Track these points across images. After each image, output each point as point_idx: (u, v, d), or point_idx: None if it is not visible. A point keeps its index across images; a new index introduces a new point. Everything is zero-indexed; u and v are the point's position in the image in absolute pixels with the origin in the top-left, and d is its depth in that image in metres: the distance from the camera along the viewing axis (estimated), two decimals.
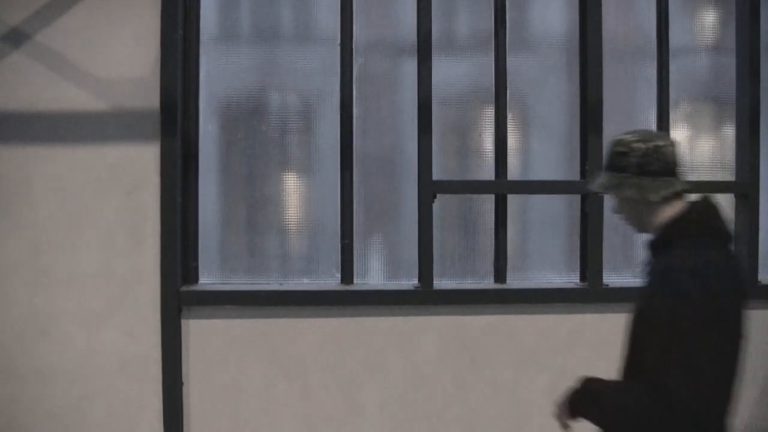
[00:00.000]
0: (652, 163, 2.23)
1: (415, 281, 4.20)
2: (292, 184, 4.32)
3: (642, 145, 2.25)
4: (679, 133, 4.40)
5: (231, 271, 4.26)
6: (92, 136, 4.04)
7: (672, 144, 2.29)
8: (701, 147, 4.47)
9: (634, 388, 2.14)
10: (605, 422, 2.25)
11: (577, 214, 4.29)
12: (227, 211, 4.29)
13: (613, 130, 4.27)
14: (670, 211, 2.27)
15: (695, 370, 2.04)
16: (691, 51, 4.42)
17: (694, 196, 2.33)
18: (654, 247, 2.30)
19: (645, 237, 2.40)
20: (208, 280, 4.24)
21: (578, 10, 4.27)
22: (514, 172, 4.27)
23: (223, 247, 4.28)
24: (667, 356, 2.05)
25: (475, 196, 4.26)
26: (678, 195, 2.28)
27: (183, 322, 4.08)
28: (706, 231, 2.22)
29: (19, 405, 4.05)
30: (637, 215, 2.33)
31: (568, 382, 4.07)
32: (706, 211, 2.25)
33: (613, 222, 4.31)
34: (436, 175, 4.16)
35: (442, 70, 4.23)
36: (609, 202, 4.21)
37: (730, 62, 4.41)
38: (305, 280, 4.26)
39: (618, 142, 2.31)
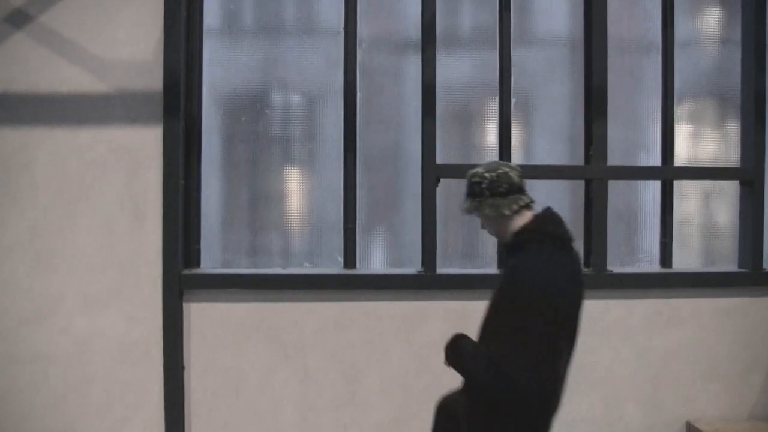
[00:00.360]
0: (501, 186, 2.74)
1: (419, 268, 4.17)
2: (294, 172, 4.29)
3: (491, 174, 2.76)
4: (682, 120, 4.38)
5: (233, 255, 4.24)
6: (94, 118, 4.01)
7: (514, 169, 2.81)
8: (705, 136, 4.44)
9: (480, 359, 2.59)
10: (462, 375, 2.76)
11: (581, 200, 4.27)
12: (229, 196, 4.26)
13: (617, 116, 4.26)
14: (521, 221, 2.75)
15: (531, 356, 2.48)
16: (696, 41, 4.40)
17: (539, 209, 2.80)
18: (509, 250, 2.75)
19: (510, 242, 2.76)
20: (209, 264, 4.22)
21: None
22: (517, 159, 4.25)
23: (225, 231, 4.26)
24: (506, 344, 2.51)
25: None
26: (526, 207, 2.76)
27: (184, 305, 4.05)
28: (549, 236, 2.68)
29: (19, 389, 4.02)
30: (496, 227, 2.80)
31: (572, 368, 4.11)
32: (550, 221, 2.74)
33: (617, 209, 4.30)
34: (440, 161, 4.14)
35: (445, 61, 4.21)
36: (613, 188, 4.23)
37: (735, 52, 4.39)
38: (307, 265, 4.24)
39: (473, 175, 2.81)
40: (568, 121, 4.31)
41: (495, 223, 2.78)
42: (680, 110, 4.35)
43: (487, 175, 2.76)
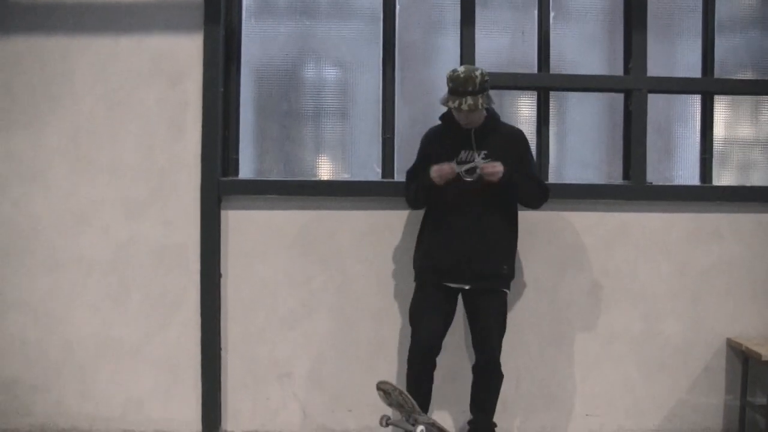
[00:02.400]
0: (487, 83, 3.54)
1: None
2: (333, 80, 4.29)
3: (482, 75, 3.51)
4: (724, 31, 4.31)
5: (271, 164, 4.25)
6: (135, 26, 4.05)
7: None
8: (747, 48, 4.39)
9: (534, 179, 3.75)
10: (517, 193, 3.72)
11: (620, 114, 4.24)
12: (267, 105, 4.26)
13: (656, 29, 4.22)
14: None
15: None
16: None
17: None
18: (481, 132, 3.64)
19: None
20: (247, 175, 4.22)
21: None
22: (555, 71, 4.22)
23: (262, 141, 4.26)
24: (536, 174, 3.85)
25: (517, 93, 4.23)
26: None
27: (222, 213, 4.07)
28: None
29: (59, 294, 4.06)
30: (479, 116, 3.59)
31: (610, 282, 4.10)
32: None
33: (655, 122, 4.26)
34: None
35: None
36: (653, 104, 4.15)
37: None
38: (345, 175, 4.24)
39: (482, 74, 3.51)
40: (608, 33, 4.28)
41: (480, 114, 3.58)
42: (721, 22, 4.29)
43: (486, 73, 3.53)
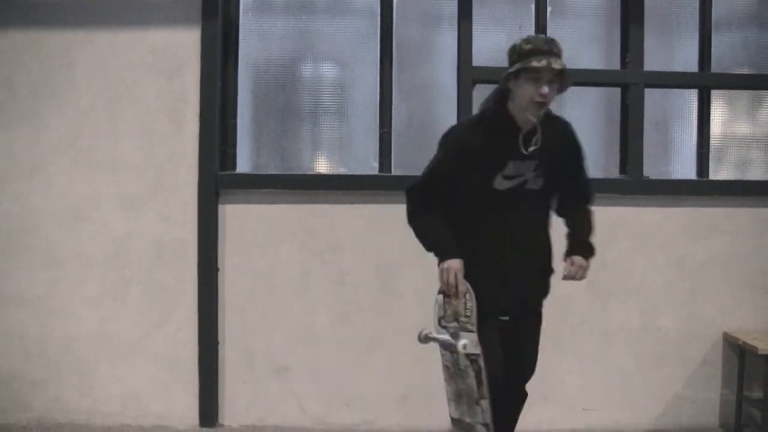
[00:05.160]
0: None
1: None
2: (330, 75, 4.30)
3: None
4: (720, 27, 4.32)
5: (268, 159, 4.26)
6: (134, 19, 4.06)
7: None
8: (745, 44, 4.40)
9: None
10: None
11: (617, 108, 4.24)
12: (265, 100, 4.27)
13: (653, 23, 4.23)
14: None
15: None
16: None
17: None
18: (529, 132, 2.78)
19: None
20: (245, 169, 4.23)
21: None
22: None
23: (260, 136, 4.27)
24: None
25: None
26: None
27: (220, 207, 4.08)
28: None
29: (57, 289, 4.07)
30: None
31: (607, 276, 4.10)
32: None
33: (652, 116, 4.26)
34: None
35: None
36: (649, 98, 4.16)
37: None
38: (343, 170, 4.25)
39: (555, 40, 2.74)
40: (605, 29, 4.29)
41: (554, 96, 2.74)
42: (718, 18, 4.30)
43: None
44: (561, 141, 2.87)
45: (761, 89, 4.30)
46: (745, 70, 4.34)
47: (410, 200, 2.98)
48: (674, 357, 4.17)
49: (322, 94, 4.26)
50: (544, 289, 3.04)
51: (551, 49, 2.67)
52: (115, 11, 4.06)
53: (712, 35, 4.24)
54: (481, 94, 4.12)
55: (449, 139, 2.85)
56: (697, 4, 4.24)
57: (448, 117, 4.12)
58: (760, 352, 3.80)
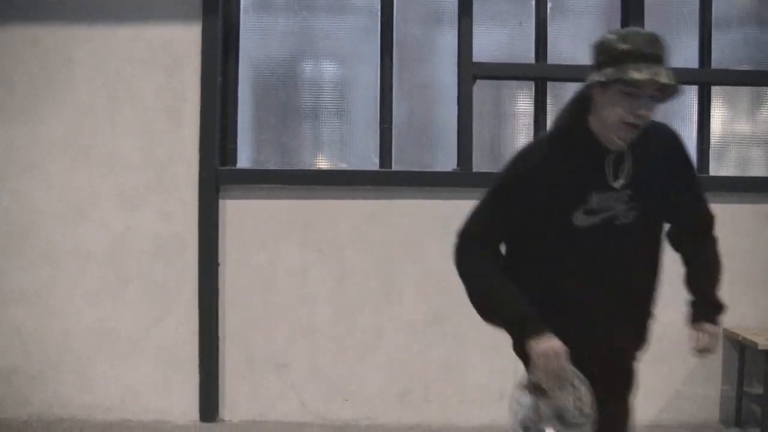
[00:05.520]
0: None
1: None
2: (331, 72, 4.30)
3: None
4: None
5: (269, 156, 4.26)
6: (133, 15, 4.06)
7: None
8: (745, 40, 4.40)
9: None
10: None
11: None
12: (265, 97, 4.27)
13: (653, 20, 4.22)
14: None
15: None
16: None
17: None
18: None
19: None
20: (245, 165, 4.23)
21: None
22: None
23: (260, 132, 4.27)
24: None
25: (514, 83, 4.23)
26: None
27: (220, 203, 4.08)
28: None
29: (57, 286, 4.07)
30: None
31: None
32: None
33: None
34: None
35: None
36: None
37: None
38: (343, 165, 4.25)
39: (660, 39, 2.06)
40: (605, 26, 4.28)
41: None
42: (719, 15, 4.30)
43: None
44: (665, 160, 2.17)
45: (761, 85, 4.30)
46: (745, 68, 4.33)
47: (465, 249, 2.19)
48: (674, 353, 4.16)
49: (323, 91, 4.27)
50: (639, 342, 2.32)
51: (656, 53, 2.01)
52: (114, 8, 4.05)
53: (712, 32, 4.23)
54: (480, 90, 4.16)
55: (518, 167, 2.17)
56: (697, 1, 4.23)
57: (448, 113, 4.14)
58: (760, 348, 3.80)
